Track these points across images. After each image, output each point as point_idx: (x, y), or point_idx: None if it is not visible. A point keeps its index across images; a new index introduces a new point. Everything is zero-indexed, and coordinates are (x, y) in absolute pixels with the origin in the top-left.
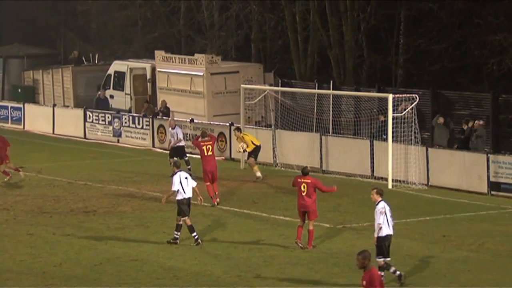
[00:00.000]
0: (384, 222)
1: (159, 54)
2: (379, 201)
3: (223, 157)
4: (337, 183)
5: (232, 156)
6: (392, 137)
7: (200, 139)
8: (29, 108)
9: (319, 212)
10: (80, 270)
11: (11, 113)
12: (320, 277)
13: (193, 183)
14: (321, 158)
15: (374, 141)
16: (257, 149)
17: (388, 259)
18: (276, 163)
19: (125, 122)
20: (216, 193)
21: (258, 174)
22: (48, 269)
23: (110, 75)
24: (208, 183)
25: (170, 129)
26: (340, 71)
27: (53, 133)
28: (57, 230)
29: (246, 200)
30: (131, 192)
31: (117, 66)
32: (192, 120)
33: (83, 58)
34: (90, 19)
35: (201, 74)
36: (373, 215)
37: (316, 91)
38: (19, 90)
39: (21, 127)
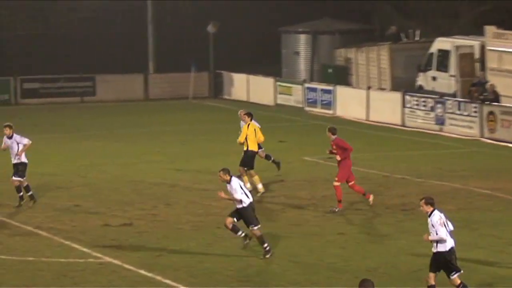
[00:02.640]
0: (447, 235)
1: (489, 30)
2: (432, 211)
3: None
4: None
5: None
6: None
7: (335, 136)
8: (341, 90)
9: None
10: (396, 276)
11: (320, 97)
12: None
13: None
14: None
15: None
16: (250, 156)
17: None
18: None
19: (450, 108)
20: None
21: (259, 186)
22: (360, 274)
23: (432, 54)
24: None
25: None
26: None
27: (367, 119)
28: (370, 229)
29: None
30: (455, 188)
31: (441, 43)
32: None
33: (402, 35)
34: None
35: None
36: None
37: None
38: (330, 71)
39: (331, 112)
